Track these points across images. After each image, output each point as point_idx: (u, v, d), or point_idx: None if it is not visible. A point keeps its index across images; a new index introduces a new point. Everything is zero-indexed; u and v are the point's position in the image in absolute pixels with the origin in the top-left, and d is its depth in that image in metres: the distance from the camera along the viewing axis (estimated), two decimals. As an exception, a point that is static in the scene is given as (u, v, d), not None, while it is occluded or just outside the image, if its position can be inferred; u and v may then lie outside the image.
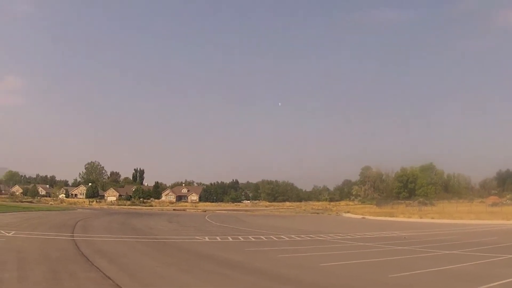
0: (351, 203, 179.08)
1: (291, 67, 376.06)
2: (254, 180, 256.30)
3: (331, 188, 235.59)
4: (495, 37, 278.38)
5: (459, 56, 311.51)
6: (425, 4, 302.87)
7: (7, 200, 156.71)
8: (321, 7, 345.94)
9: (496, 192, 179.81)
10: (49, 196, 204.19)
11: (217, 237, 41.16)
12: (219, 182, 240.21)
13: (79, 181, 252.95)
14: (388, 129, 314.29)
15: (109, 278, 18.53)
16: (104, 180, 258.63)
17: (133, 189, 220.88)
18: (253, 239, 39.98)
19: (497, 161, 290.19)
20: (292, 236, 43.62)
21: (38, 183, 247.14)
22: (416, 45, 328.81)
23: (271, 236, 42.84)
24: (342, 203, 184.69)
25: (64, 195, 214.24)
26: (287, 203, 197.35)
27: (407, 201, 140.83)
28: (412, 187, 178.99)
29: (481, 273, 22.01)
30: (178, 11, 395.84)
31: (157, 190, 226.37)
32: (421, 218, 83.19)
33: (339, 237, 42.87)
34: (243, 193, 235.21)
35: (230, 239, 39.74)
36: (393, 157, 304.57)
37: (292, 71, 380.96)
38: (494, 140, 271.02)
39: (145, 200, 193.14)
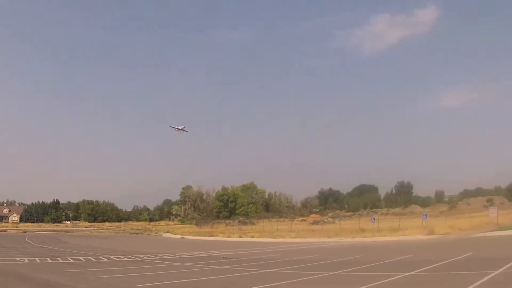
0: (170, 223, 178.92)
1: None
2: (75, 199, 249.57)
3: (151, 208, 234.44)
4: (331, 57, 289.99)
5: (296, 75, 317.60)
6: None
7: None
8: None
9: (318, 210, 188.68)
10: None
11: (37, 259, 39.83)
12: (40, 202, 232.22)
13: None
14: (211, 148, 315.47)
15: None
16: None
17: None
18: (71, 260, 39.11)
19: (319, 180, 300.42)
20: (111, 257, 42.88)
21: None
22: (254, 64, 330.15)
23: (90, 257, 41.93)
24: (162, 223, 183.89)
25: None
26: (107, 223, 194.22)
27: (227, 221, 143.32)
28: (233, 206, 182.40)
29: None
30: None
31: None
32: (240, 237, 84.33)
33: (158, 258, 42.41)
34: (63, 213, 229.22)
35: (49, 260, 38.73)
36: (215, 176, 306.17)
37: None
38: (317, 159, 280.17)
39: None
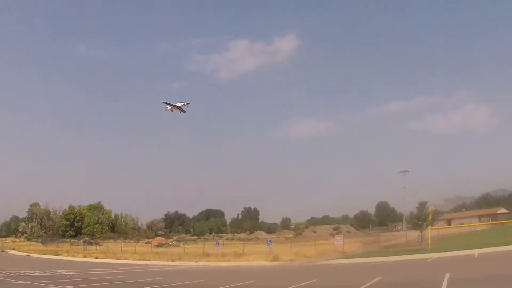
0: (17, 240, 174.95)
1: None
2: None
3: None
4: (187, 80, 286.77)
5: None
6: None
7: None
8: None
9: (163, 233, 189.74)
10: None
11: None
12: None
13: None
14: (60, 166, 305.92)
15: None
16: None
17: None
18: None
19: (166, 204, 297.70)
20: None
21: None
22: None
23: None
24: (9, 239, 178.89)
25: None
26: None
27: (73, 240, 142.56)
28: (79, 225, 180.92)
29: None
30: None
31: None
32: (85, 257, 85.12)
33: (3, 275, 41.74)
34: None
35: None
36: (64, 194, 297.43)
37: None
38: (165, 182, 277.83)
39: None
